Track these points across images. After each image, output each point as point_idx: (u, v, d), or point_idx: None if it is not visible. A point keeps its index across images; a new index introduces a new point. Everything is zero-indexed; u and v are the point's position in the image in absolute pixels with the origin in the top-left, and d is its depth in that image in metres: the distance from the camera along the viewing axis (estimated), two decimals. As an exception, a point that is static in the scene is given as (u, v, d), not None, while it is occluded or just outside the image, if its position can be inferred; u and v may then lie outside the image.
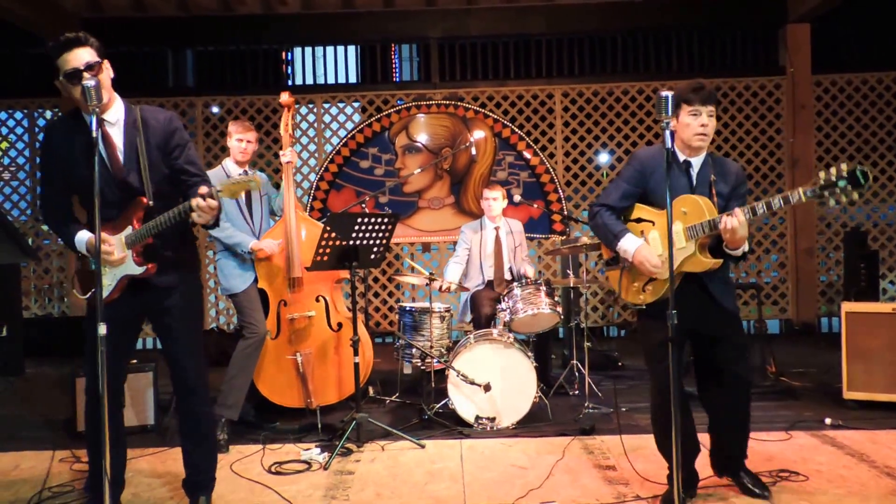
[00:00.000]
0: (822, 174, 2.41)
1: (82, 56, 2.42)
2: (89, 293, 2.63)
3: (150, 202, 2.53)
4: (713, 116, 2.68)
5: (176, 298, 2.65)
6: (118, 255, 2.51)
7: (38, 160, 7.32)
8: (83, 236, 2.59)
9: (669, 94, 2.30)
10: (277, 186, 4.26)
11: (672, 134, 2.42)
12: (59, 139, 2.56)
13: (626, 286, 2.81)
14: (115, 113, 2.55)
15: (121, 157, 2.54)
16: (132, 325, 2.73)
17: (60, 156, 2.55)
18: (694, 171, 2.75)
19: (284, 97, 4.18)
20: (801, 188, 2.44)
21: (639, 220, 2.80)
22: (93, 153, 2.22)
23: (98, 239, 2.27)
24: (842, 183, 2.37)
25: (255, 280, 3.98)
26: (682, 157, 2.75)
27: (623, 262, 2.79)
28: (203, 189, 2.39)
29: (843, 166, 2.38)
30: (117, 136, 2.55)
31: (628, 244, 2.74)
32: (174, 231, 2.56)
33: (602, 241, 2.88)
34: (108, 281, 2.56)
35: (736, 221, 2.51)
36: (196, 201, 2.36)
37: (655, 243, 2.73)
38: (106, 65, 2.51)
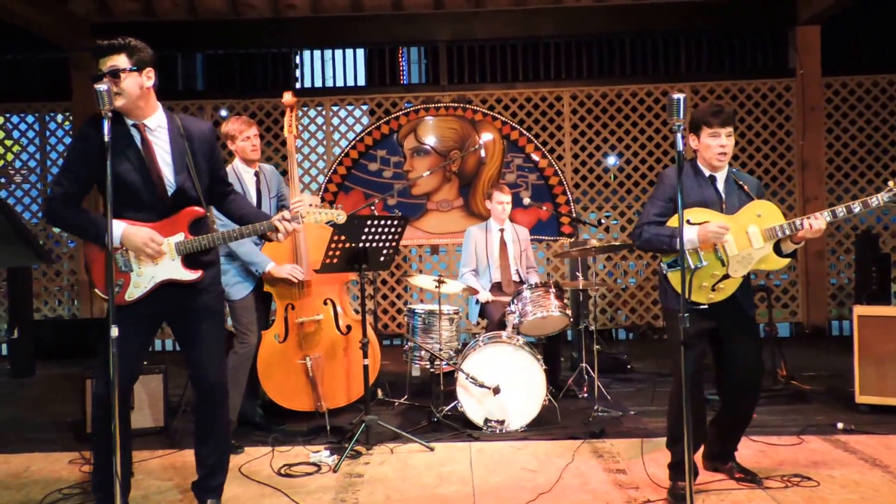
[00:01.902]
0: (891, 183, 2.77)
1: (113, 62, 2.47)
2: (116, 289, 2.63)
3: (207, 212, 2.65)
4: (731, 136, 2.90)
5: (202, 300, 2.68)
6: (143, 283, 2.58)
7: (48, 164, 7.38)
8: (120, 227, 2.50)
9: (681, 96, 2.32)
10: (284, 173, 4.25)
11: (683, 139, 2.50)
12: (93, 135, 2.49)
13: (695, 286, 2.88)
14: (157, 119, 2.60)
15: (163, 164, 2.57)
16: (154, 325, 2.76)
17: (92, 152, 2.49)
18: (720, 184, 2.96)
19: (287, 97, 4.09)
20: (879, 195, 2.77)
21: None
22: (128, 156, 2.40)
23: (110, 244, 2.27)
24: None
25: (254, 289, 3.88)
26: (707, 173, 2.97)
27: (688, 264, 2.86)
28: (287, 213, 2.58)
29: None
30: (162, 142, 2.58)
31: (688, 234, 2.80)
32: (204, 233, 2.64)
33: (658, 248, 2.93)
34: (145, 283, 2.57)
35: (823, 224, 2.76)
36: (283, 224, 2.56)
37: (731, 245, 2.85)
38: (144, 73, 2.52)
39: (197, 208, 2.61)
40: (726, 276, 2.85)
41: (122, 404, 2.62)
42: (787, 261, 2.89)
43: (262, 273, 3.85)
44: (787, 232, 2.80)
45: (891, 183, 2.72)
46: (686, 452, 2.36)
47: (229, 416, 2.90)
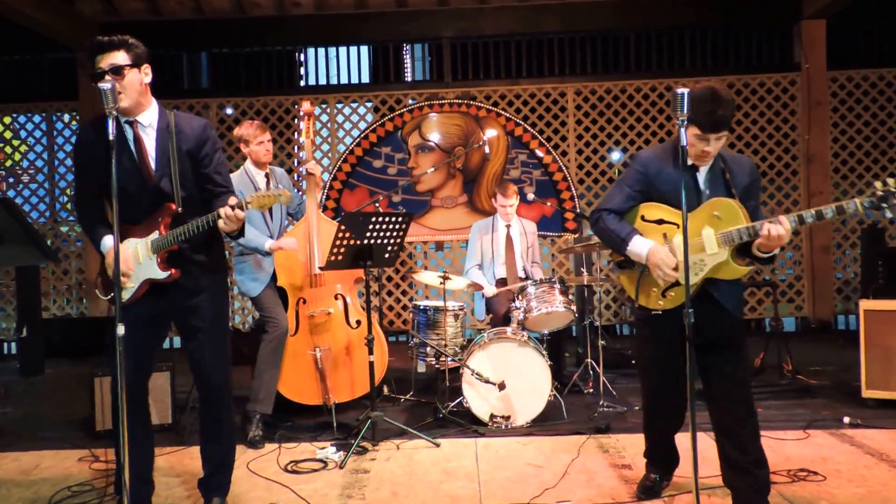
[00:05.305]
0: (878, 184, 2.30)
1: (112, 59, 2.47)
2: (111, 294, 2.68)
3: (180, 209, 2.58)
4: (721, 140, 2.49)
5: (202, 300, 2.68)
6: (131, 284, 2.58)
7: (56, 163, 7.42)
8: (109, 242, 2.61)
9: (686, 91, 2.20)
10: (290, 171, 4.35)
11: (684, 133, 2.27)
12: (89, 141, 2.58)
13: (645, 290, 2.63)
14: (149, 117, 2.59)
15: (152, 162, 2.57)
16: (160, 324, 2.76)
17: (90, 157, 2.58)
18: (701, 175, 2.59)
19: (306, 106, 4.23)
20: (858, 199, 2.31)
21: (660, 222, 2.61)
22: (119, 155, 2.28)
23: (116, 241, 2.28)
24: None
25: (271, 281, 4.05)
26: (689, 161, 2.57)
27: (639, 266, 2.63)
28: (233, 200, 2.48)
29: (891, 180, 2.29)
30: (150, 140, 2.58)
31: (639, 247, 2.57)
32: (202, 235, 2.59)
33: (609, 245, 2.71)
34: (132, 284, 2.60)
35: (782, 230, 2.34)
36: (225, 210, 2.44)
37: (681, 249, 2.44)
38: (143, 69, 2.54)
39: (172, 205, 2.58)
40: (676, 283, 2.52)
41: (137, 402, 2.65)
42: (746, 269, 2.49)
43: (265, 251, 3.97)
44: (745, 238, 2.41)
45: (877, 184, 2.28)
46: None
47: (234, 416, 2.90)
